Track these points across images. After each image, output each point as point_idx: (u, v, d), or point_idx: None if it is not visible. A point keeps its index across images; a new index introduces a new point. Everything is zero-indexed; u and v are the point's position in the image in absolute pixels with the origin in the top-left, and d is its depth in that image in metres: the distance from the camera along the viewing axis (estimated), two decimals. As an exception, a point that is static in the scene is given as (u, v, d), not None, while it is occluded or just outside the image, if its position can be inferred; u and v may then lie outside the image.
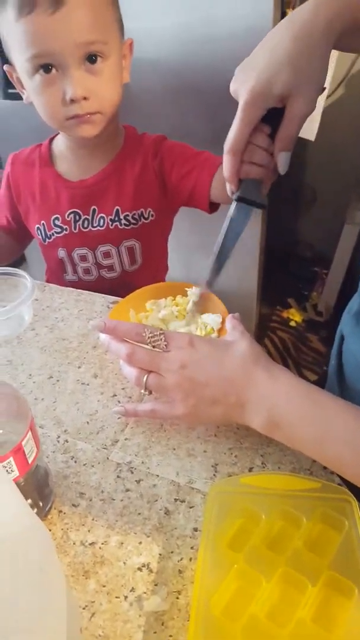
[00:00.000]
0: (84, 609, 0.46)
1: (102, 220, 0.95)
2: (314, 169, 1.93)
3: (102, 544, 0.51)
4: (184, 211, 1.01)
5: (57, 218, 0.97)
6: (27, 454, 0.47)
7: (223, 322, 0.73)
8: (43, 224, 0.98)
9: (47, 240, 0.99)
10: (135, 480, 0.57)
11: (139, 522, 0.52)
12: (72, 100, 0.78)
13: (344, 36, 0.55)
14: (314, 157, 1.89)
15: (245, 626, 0.42)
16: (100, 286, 0.98)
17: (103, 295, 0.89)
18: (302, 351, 1.83)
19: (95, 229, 0.96)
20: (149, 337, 0.58)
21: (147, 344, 0.58)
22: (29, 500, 0.51)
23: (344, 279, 1.66)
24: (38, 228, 0.99)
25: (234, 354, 0.55)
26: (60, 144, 0.96)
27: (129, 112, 1.00)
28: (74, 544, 0.51)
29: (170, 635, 0.43)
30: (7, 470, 0.46)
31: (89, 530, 0.52)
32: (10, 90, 1.21)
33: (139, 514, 0.53)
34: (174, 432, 0.62)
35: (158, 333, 0.58)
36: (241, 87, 0.57)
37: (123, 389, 0.69)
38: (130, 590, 0.47)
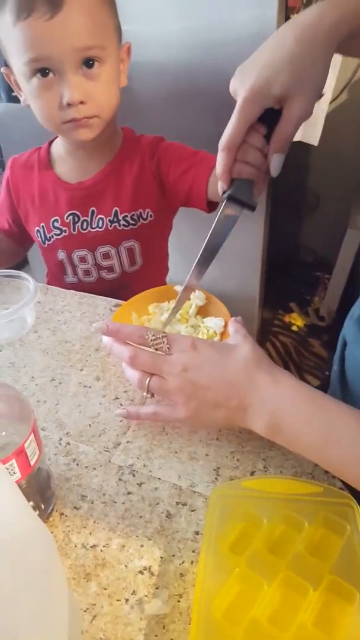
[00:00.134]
0: (85, 611, 0.46)
1: (101, 222, 0.95)
2: (316, 174, 1.93)
3: (104, 546, 0.51)
4: (186, 212, 1.01)
5: (56, 220, 0.97)
6: (30, 456, 0.48)
7: (225, 325, 0.73)
8: (42, 226, 0.99)
9: (47, 242, 1.00)
10: (137, 483, 0.57)
11: (140, 525, 0.52)
12: (69, 104, 0.78)
13: (347, 41, 0.55)
14: (317, 162, 1.89)
15: (247, 630, 0.41)
16: (100, 288, 0.98)
17: (106, 298, 0.89)
18: (303, 356, 1.83)
19: (94, 230, 0.96)
20: (151, 340, 0.58)
21: (150, 347, 0.58)
22: (31, 503, 0.51)
23: (346, 284, 1.66)
24: (38, 231, 1.00)
25: (237, 357, 0.55)
26: (59, 146, 0.97)
27: (134, 116, 1.01)
28: (75, 546, 0.51)
29: (172, 639, 0.43)
30: (9, 472, 0.46)
31: (90, 533, 0.52)
32: (14, 94, 1.21)
33: (141, 517, 0.53)
34: (176, 435, 0.62)
35: (161, 336, 0.58)
36: (240, 85, 0.57)
37: (125, 391, 0.69)
38: (132, 593, 0.47)
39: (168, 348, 0.57)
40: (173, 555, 0.49)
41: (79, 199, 0.95)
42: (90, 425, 0.64)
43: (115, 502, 0.55)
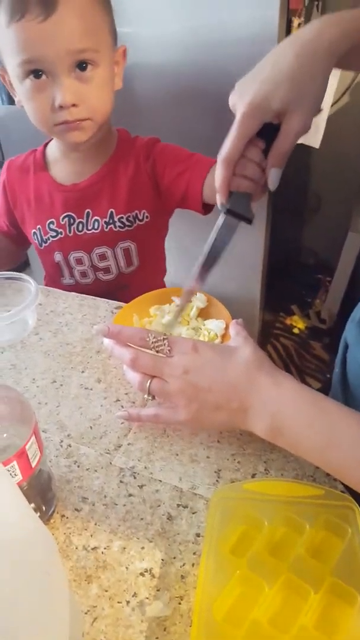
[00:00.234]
0: (86, 613, 0.46)
1: (96, 223, 0.96)
2: (318, 176, 1.93)
3: (105, 548, 0.51)
4: (183, 214, 1.01)
5: (52, 222, 0.97)
6: (31, 458, 0.48)
7: (226, 327, 0.73)
8: (39, 228, 0.99)
9: (44, 244, 1.00)
10: (138, 486, 0.57)
11: (141, 527, 0.52)
12: (61, 107, 0.78)
13: (347, 56, 0.55)
14: (319, 164, 1.90)
15: (248, 632, 0.41)
16: (97, 289, 0.98)
17: (107, 300, 0.89)
18: (305, 358, 1.83)
19: (90, 231, 0.96)
20: (152, 342, 0.58)
21: (151, 349, 0.58)
22: (32, 505, 0.51)
23: (347, 286, 1.66)
24: (34, 233, 1.00)
25: (238, 360, 0.55)
26: (54, 148, 0.97)
27: (134, 116, 1.01)
28: (76, 548, 0.51)
29: (172, 641, 0.43)
30: (10, 474, 0.46)
31: (91, 535, 0.52)
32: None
33: (142, 519, 0.53)
34: (177, 437, 0.62)
35: (162, 338, 0.58)
36: (239, 100, 0.57)
37: (126, 394, 0.69)
38: (133, 596, 0.47)
39: (169, 350, 0.58)
40: (174, 558, 0.49)
41: (74, 201, 0.95)
42: (91, 427, 0.64)
43: (116, 504, 0.55)
